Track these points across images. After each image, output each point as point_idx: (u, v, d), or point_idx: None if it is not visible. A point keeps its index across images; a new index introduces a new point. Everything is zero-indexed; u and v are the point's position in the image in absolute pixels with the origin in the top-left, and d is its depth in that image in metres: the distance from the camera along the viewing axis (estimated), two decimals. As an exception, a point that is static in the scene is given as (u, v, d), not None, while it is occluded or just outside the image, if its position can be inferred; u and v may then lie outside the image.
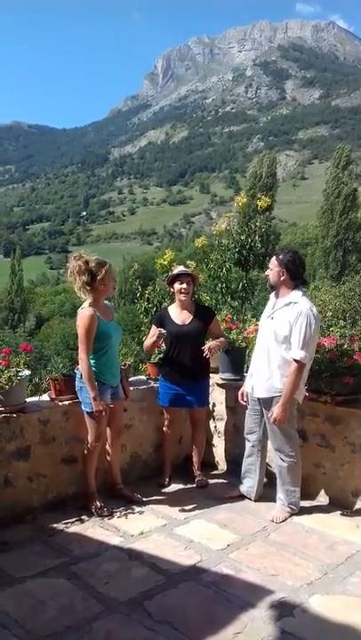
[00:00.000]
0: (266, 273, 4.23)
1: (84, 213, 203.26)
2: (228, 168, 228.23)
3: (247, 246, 6.00)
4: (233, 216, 6.51)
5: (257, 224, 6.10)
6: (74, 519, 4.05)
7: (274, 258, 4.13)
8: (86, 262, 4.01)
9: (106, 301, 4.26)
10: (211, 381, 5.02)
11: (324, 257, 43.15)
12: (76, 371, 4.28)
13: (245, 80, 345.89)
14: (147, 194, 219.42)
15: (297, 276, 4.09)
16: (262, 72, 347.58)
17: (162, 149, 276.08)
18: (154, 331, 4.55)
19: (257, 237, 6.02)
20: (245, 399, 4.37)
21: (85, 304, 4.05)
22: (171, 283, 4.70)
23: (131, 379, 5.00)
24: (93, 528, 3.93)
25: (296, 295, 4.03)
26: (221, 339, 4.58)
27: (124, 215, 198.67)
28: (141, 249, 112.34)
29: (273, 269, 4.11)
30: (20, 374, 3.98)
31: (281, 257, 4.07)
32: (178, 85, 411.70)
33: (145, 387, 4.94)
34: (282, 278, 4.06)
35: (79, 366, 4.10)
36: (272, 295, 4.25)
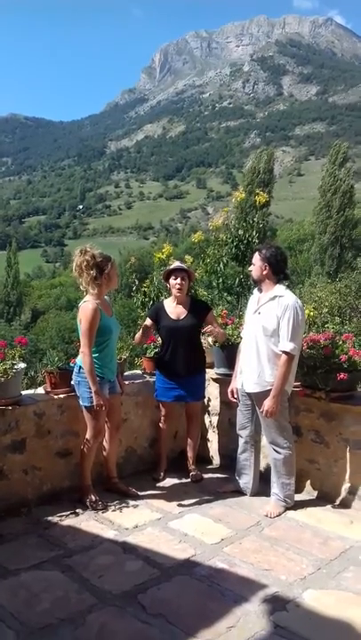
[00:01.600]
0: (249, 269, 4.28)
1: (81, 207, 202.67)
2: (224, 163, 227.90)
3: (245, 241, 6.00)
4: (230, 211, 6.50)
5: (255, 219, 6.10)
6: (68, 512, 4.06)
7: (256, 253, 4.21)
8: (93, 256, 4.01)
9: (105, 296, 4.26)
10: (206, 376, 5.03)
11: (320, 253, 43.08)
12: (72, 364, 4.27)
13: (243, 75, 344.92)
14: (143, 188, 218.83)
15: (279, 270, 4.16)
16: (260, 67, 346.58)
17: (159, 144, 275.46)
18: (148, 322, 4.66)
19: (254, 232, 6.02)
20: (236, 396, 4.39)
21: (87, 297, 4.05)
22: (166, 278, 4.71)
23: (126, 373, 5.01)
24: (88, 521, 3.94)
25: (280, 289, 4.11)
26: (221, 330, 4.60)
27: (120, 209, 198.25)
28: (137, 243, 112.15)
29: (255, 264, 4.17)
30: (16, 367, 3.98)
31: (263, 252, 4.15)
32: (175, 79, 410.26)
33: (140, 381, 4.94)
34: (264, 272, 4.13)
35: (77, 360, 4.10)
36: (255, 291, 4.33)
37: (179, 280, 4.56)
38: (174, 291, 4.61)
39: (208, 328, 4.51)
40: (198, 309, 4.67)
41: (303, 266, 44.74)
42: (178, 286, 4.56)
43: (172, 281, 4.61)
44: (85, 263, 3.99)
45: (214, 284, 6.08)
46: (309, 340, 4.27)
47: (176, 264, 4.74)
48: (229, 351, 4.83)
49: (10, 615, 2.84)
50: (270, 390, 4.01)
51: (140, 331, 4.70)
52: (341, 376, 4.07)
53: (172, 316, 4.61)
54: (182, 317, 4.60)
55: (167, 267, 4.90)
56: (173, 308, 4.65)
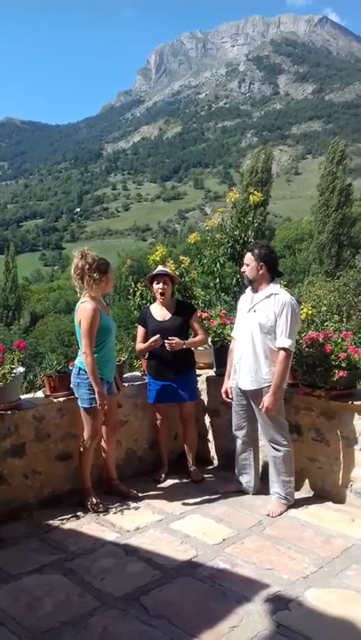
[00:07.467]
0: (243, 270, 4.27)
1: (78, 210, 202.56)
2: (221, 163, 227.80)
3: (241, 241, 5.98)
4: (228, 211, 6.47)
5: (249, 218, 6.08)
6: (69, 515, 4.06)
7: (249, 254, 4.20)
8: (94, 259, 4.05)
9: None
10: (205, 377, 5.03)
11: (318, 252, 43.14)
12: (70, 367, 4.27)
13: (238, 75, 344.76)
14: (141, 190, 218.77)
15: (274, 268, 4.18)
16: (255, 67, 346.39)
17: (155, 145, 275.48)
18: (141, 331, 4.71)
19: (250, 232, 6.00)
20: (230, 396, 4.38)
21: (85, 298, 4.06)
22: (150, 283, 4.77)
23: (126, 375, 5.01)
24: (89, 524, 3.94)
25: (275, 287, 4.13)
26: (177, 340, 4.51)
27: (118, 211, 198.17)
28: (136, 245, 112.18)
29: (250, 265, 4.17)
30: (15, 371, 3.98)
31: (256, 252, 4.15)
32: (171, 81, 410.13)
33: (140, 383, 4.94)
34: (260, 272, 4.14)
35: (76, 362, 4.10)
36: (248, 290, 4.32)
37: (161, 285, 4.64)
38: (158, 295, 4.68)
39: (169, 343, 4.47)
40: (183, 310, 4.73)
41: (302, 264, 44.77)
42: (160, 291, 4.65)
43: (155, 285, 4.69)
44: (88, 266, 4.03)
45: (211, 284, 6.07)
46: (308, 339, 4.26)
47: (158, 269, 4.78)
48: (227, 350, 4.84)
49: (12, 619, 2.84)
50: (267, 387, 4.02)
51: (139, 339, 4.71)
52: (341, 374, 4.07)
53: (158, 317, 4.69)
54: (167, 319, 4.66)
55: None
56: (159, 311, 4.72)
